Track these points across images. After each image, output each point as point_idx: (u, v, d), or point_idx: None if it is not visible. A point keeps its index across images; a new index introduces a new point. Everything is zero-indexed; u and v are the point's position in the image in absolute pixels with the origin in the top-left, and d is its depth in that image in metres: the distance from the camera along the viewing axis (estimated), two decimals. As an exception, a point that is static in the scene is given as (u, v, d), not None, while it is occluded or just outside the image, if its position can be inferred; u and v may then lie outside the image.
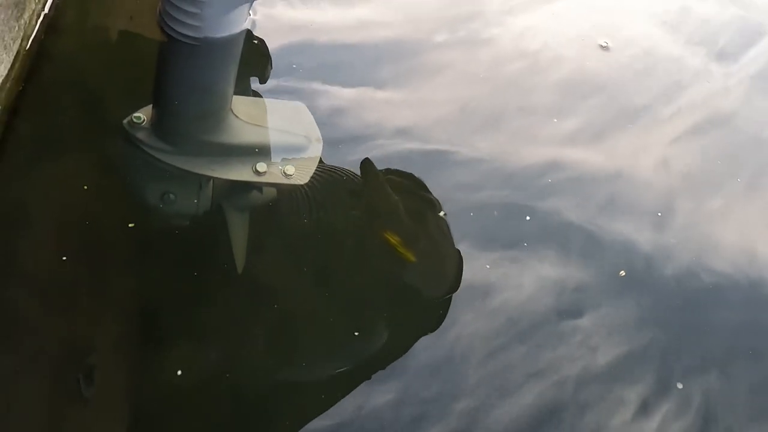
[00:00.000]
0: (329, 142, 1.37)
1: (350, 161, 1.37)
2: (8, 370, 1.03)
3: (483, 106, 1.56)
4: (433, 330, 1.19)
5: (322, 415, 1.07)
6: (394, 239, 1.24)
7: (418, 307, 1.24)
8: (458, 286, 1.24)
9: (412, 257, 1.23)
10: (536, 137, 1.52)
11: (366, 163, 1.36)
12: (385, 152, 1.40)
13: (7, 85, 1.27)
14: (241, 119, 1.36)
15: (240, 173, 1.30)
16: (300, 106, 1.43)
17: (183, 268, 1.19)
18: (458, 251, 1.29)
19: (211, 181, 1.29)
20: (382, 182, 1.36)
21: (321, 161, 1.35)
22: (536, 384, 1.16)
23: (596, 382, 1.18)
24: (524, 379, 1.16)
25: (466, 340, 1.18)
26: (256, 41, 1.54)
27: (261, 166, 1.30)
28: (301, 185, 1.30)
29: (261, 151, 1.33)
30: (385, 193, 1.35)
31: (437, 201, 1.35)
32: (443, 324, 1.20)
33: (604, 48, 1.74)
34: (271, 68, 1.50)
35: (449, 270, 1.27)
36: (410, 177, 1.38)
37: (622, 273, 1.30)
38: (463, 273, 1.27)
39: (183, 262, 1.19)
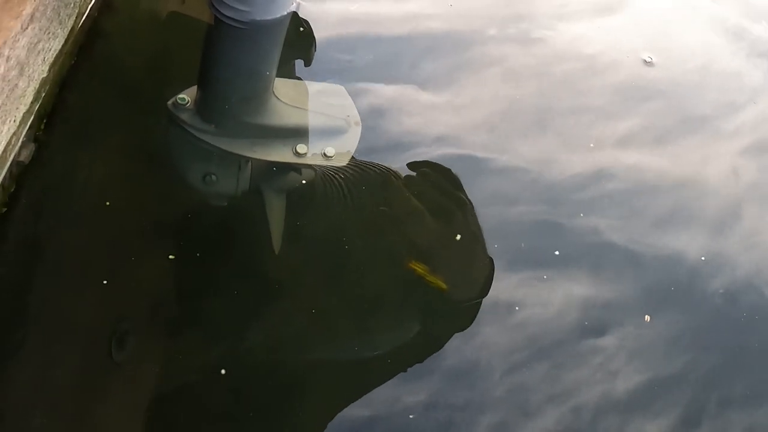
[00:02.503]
0: (371, 147, 1.37)
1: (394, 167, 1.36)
2: (45, 337, 1.06)
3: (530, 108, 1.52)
4: (462, 329, 1.17)
5: (356, 404, 1.07)
6: (420, 268, 1.20)
7: (448, 305, 1.22)
8: (488, 291, 1.21)
9: (443, 285, 1.19)
10: (585, 143, 1.47)
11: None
12: (425, 158, 1.39)
13: (60, 59, 1.31)
14: (282, 101, 1.37)
15: (281, 155, 1.31)
16: (339, 88, 1.43)
17: (219, 249, 1.20)
18: (490, 257, 1.25)
19: (250, 162, 1.30)
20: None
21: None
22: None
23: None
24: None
25: (489, 352, 1.15)
26: (301, 23, 1.54)
27: (301, 148, 1.31)
28: (336, 174, 1.30)
29: (301, 133, 1.34)
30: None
31: (469, 205, 1.32)
32: (471, 332, 1.17)
33: (649, 63, 1.66)
34: (315, 50, 1.51)
35: (479, 274, 1.25)
36: (446, 176, 1.36)
37: (647, 318, 1.22)
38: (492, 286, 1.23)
39: (219, 244, 1.20)
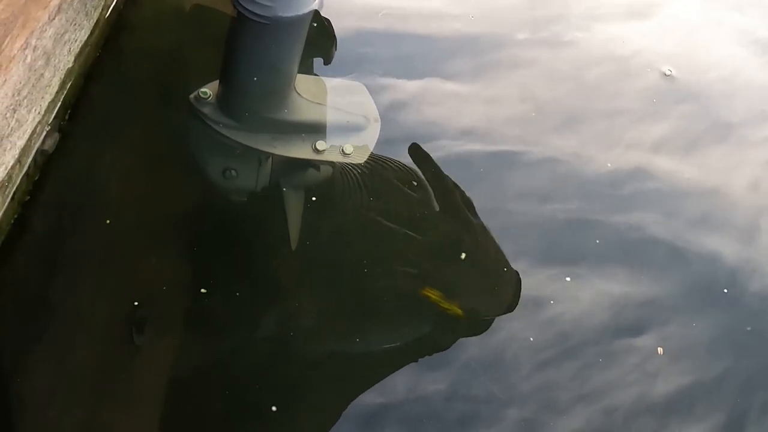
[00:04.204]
0: (394, 138, 1.36)
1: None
2: (64, 324, 1.08)
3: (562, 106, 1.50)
4: (482, 331, 1.16)
5: (370, 390, 1.07)
6: (434, 295, 1.17)
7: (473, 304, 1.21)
8: (515, 306, 1.19)
9: (459, 311, 1.16)
10: (618, 143, 1.45)
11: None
12: (450, 152, 1.38)
13: (86, 50, 1.33)
14: (303, 97, 1.37)
15: (300, 151, 1.32)
16: (359, 86, 1.44)
17: (236, 244, 1.21)
18: (516, 272, 1.22)
19: (270, 158, 1.31)
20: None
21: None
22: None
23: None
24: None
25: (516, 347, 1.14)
26: (323, 21, 1.55)
27: (320, 144, 1.32)
28: (356, 168, 1.30)
29: (321, 130, 1.34)
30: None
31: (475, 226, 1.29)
32: (498, 326, 1.16)
33: (671, 73, 1.63)
34: (336, 49, 1.51)
35: (505, 289, 1.22)
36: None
37: (660, 350, 1.18)
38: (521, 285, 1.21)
39: (237, 238, 1.21)
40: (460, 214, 1.30)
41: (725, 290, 1.27)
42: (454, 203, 1.31)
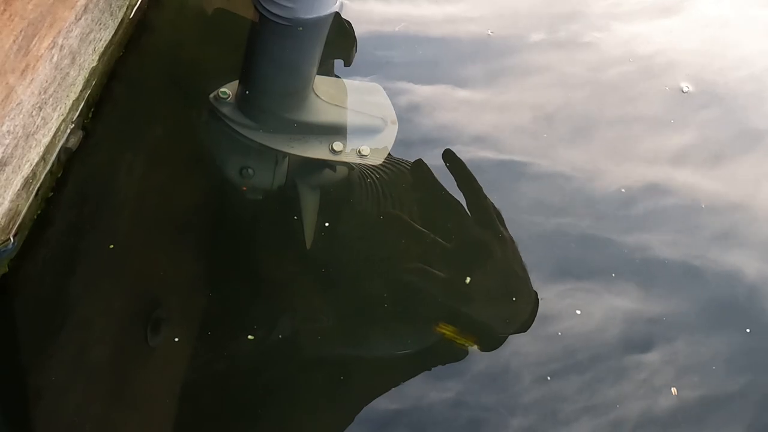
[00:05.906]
0: (403, 145, 1.37)
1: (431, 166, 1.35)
2: (82, 319, 1.10)
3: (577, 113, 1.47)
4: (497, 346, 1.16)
5: (384, 397, 1.08)
6: (449, 330, 1.15)
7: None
8: (529, 326, 1.17)
9: (474, 344, 1.15)
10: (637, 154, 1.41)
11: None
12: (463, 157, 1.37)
13: (110, 49, 1.35)
14: (321, 99, 1.39)
15: (317, 151, 1.33)
16: (377, 87, 1.44)
17: (252, 242, 1.22)
18: (535, 293, 1.21)
19: (287, 158, 1.32)
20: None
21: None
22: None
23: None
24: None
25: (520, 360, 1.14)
26: (343, 24, 1.56)
27: (337, 145, 1.33)
28: (372, 170, 1.31)
29: (338, 131, 1.35)
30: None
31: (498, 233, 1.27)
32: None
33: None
34: (356, 51, 1.52)
35: (524, 308, 1.20)
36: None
37: (674, 390, 1.14)
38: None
39: (252, 237, 1.23)
40: (492, 223, 1.28)
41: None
42: (487, 213, 1.29)
